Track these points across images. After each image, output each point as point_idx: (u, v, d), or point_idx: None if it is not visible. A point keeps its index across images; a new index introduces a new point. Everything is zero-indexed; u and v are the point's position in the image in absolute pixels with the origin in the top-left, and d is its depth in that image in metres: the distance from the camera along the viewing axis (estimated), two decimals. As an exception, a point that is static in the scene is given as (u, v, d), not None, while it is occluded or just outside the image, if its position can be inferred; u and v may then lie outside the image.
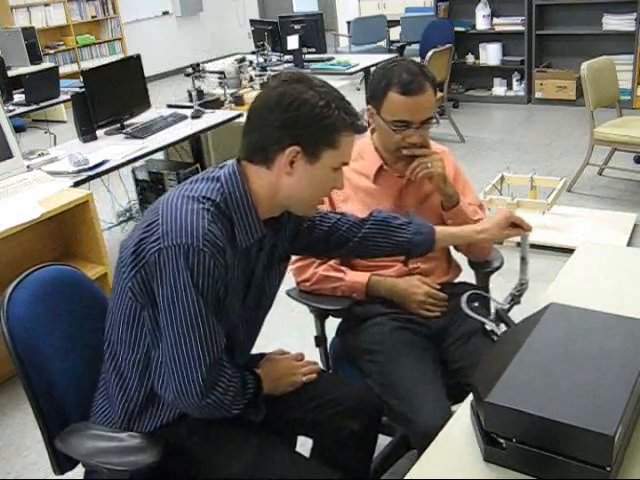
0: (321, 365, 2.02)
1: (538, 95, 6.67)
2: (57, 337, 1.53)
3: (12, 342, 1.44)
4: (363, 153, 1.98)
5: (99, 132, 3.96)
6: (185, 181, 1.44)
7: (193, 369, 1.33)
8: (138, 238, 1.36)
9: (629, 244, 3.70)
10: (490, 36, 6.90)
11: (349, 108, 1.41)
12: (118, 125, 4.03)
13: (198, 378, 1.33)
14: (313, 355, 1.89)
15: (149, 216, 1.38)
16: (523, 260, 1.82)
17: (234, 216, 1.40)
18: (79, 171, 3.29)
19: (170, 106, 4.73)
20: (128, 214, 4.60)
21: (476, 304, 1.67)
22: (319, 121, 1.36)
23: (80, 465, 1.49)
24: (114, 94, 3.97)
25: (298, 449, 1.75)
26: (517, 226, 1.82)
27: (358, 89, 7.45)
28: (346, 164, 1.46)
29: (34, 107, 5.43)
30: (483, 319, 1.59)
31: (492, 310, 1.69)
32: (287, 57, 5.67)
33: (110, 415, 1.48)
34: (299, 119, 1.35)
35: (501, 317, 1.61)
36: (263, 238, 1.48)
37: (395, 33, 8.01)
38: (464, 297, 1.64)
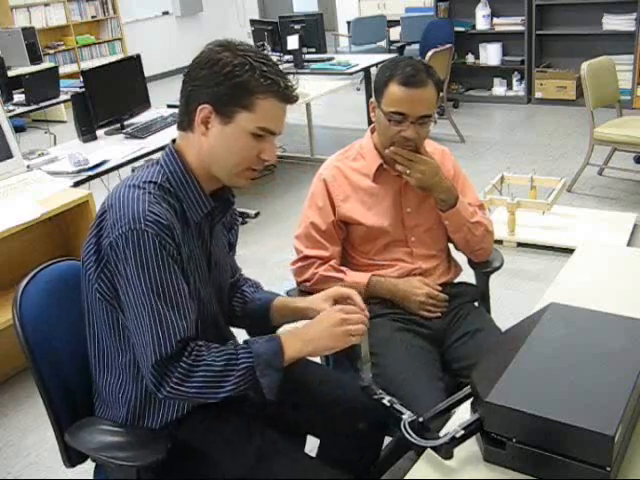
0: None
1: (538, 95, 6.67)
2: (67, 331, 1.54)
3: (24, 336, 1.45)
4: (363, 152, 1.99)
5: (99, 132, 3.96)
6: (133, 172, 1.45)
7: (149, 356, 1.31)
8: (95, 237, 1.37)
9: (629, 244, 3.70)
10: (490, 36, 6.90)
11: (271, 72, 1.35)
12: (118, 125, 4.03)
13: (151, 365, 1.31)
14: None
15: (99, 213, 1.38)
16: (363, 358, 1.52)
17: (180, 194, 1.40)
18: (79, 171, 3.29)
19: (170, 106, 4.73)
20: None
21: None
22: (229, 80, 1.33)
23: (90, 460, 1.50)
24: (114, 94, 3.97)
25: (308, 448, 1.75)
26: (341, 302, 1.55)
27: (358, 89, 7.46)
28: (269, 131, 1.38)
29: (34, 107, 5.43)
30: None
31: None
32: (287, 57, 5.67)
33: (115, 413, 1.48)
34: (212, 77, 1.34)
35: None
36: (212, 213, 1.48)
37: (395, 33, 8.01)
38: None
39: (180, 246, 1.37)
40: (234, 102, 1.35)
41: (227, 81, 1.34)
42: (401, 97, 1.81)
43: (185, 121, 1.41)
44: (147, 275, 1.31)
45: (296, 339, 1.41)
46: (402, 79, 1.80)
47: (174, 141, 1.46)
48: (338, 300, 1.55)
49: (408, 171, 1.86)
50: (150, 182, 1.37)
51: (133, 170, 4.43)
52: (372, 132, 1.99)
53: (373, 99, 1.90)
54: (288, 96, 1.39)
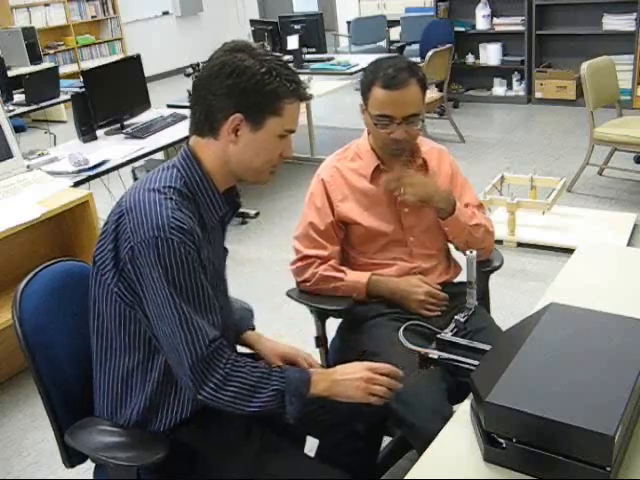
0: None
1: (538, 95, 6.67)
2: (67, 331, 1.54)
3: (24, 336, 1.45)
4: (360, 153, 1.99)
5: (99, 132, 3.96)
6: (146, 174, 1.45)
7: (184, 360, 1.32)
8: (112, 242, 1.36)
9: (629, 244, 3.70)
10: (490, 36, 6.90)
11: (291, 75, 1.41)
12: (118, 125, 4.04)
13: (188, 368, 1.32)
14: (313, 356, 1.88)
15: (115, 217, 1.37)
16: (470, 284, 1.66)
17: (198, 199, 1.42)
18: (79, 171, 3.29)
19: (170, 106, 4.73)
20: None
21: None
22: (260, 88, 1.36)
23: (90, 460, 1.49)
24: (114, 94, 3.97)
25: (307, 448, 1.75)
26: None
27: (358, 89, 7.45)
28: (292, 131, 1.45)
29: (34, 107, 5.44)
30: (420, 349, 1.50)
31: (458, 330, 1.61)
32: (287, 57, 5.67)
33: (119, 416, 1.47)
34: (240, 87, 1.36)
35: (442, 346, 1.51)
36: (224, 216, 1.50)
37: (395, 33, 8.01)
38: (401, 328, 1.60)
39: (200, 250, 1.37)
40: (265, 109, 1.38)
41: (257, 90, 1.36)
42: (385, 100, 1.81)
43: (205, 128, 1.41)
44: (173, 280, 1.31)
45: (324, 379, 1.44)
46: (384, 82, 1.81)
47: (187, 143, 1.46)
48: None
49: (402, 190, 1.86)
50: (170, 187, 1.38)
51: (133, 170, 4.44)
52: (369, 133, 1.99)
53: (361, 102, 1.90)
54: (306, 95, 1.45)
